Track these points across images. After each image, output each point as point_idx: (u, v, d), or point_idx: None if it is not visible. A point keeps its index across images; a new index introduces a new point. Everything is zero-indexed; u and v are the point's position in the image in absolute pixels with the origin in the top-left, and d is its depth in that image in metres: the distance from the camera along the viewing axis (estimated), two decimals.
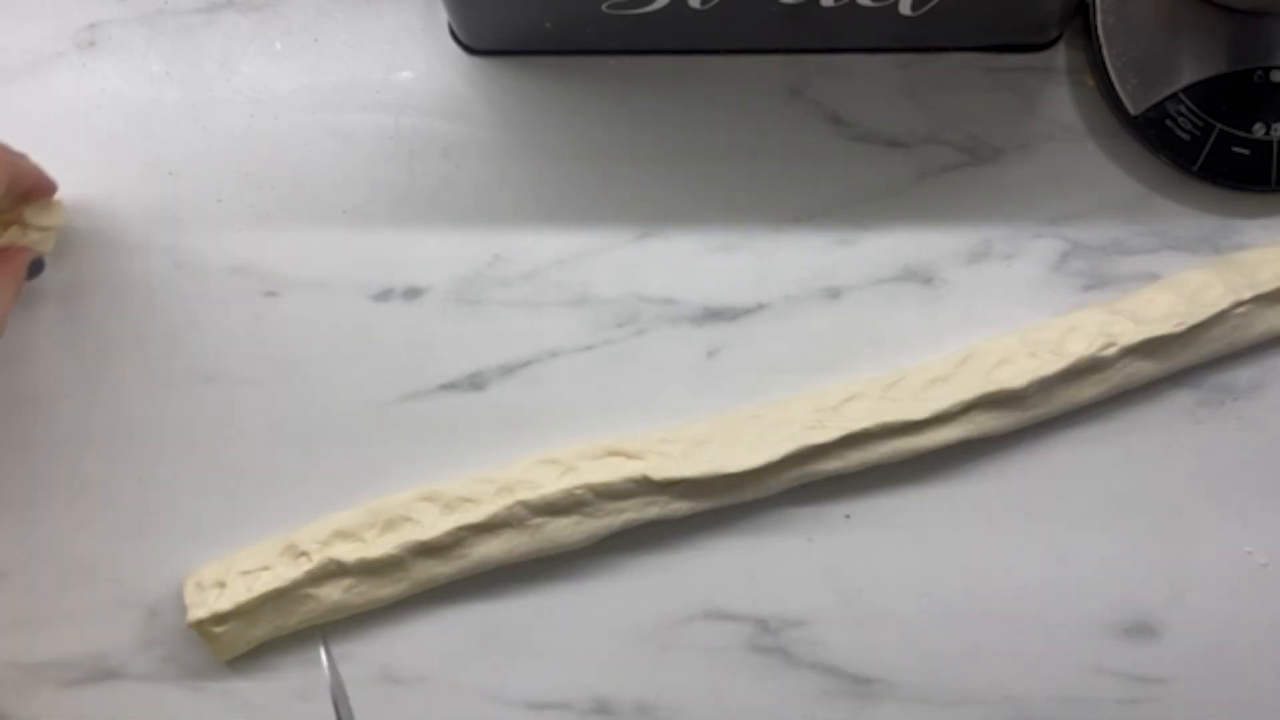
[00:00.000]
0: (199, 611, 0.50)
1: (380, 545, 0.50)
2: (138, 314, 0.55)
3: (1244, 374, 0.54)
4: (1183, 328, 0.51)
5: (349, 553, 0.50)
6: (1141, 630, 0.52)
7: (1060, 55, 0.57)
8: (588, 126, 0.57)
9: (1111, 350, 0.51)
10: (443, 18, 0.57)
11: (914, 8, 0.52)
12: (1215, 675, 0.52)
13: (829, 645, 0.52)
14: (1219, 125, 0.53)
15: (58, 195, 0.53)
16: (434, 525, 0.50)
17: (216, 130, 0.57)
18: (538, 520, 0.51)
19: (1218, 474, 0.53)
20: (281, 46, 0.58)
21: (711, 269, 0.55)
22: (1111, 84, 0.54)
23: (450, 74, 0.57)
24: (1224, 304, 0.52)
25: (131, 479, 0.53)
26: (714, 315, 0.55)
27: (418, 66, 0.57)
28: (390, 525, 0.51)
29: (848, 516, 0.53)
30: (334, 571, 0.50)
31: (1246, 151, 0.54)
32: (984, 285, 0.55)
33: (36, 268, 0.51)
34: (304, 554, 0.51)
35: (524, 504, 0.50)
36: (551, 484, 0.50)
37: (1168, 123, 0.54)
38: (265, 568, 0.51)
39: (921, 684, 0.52)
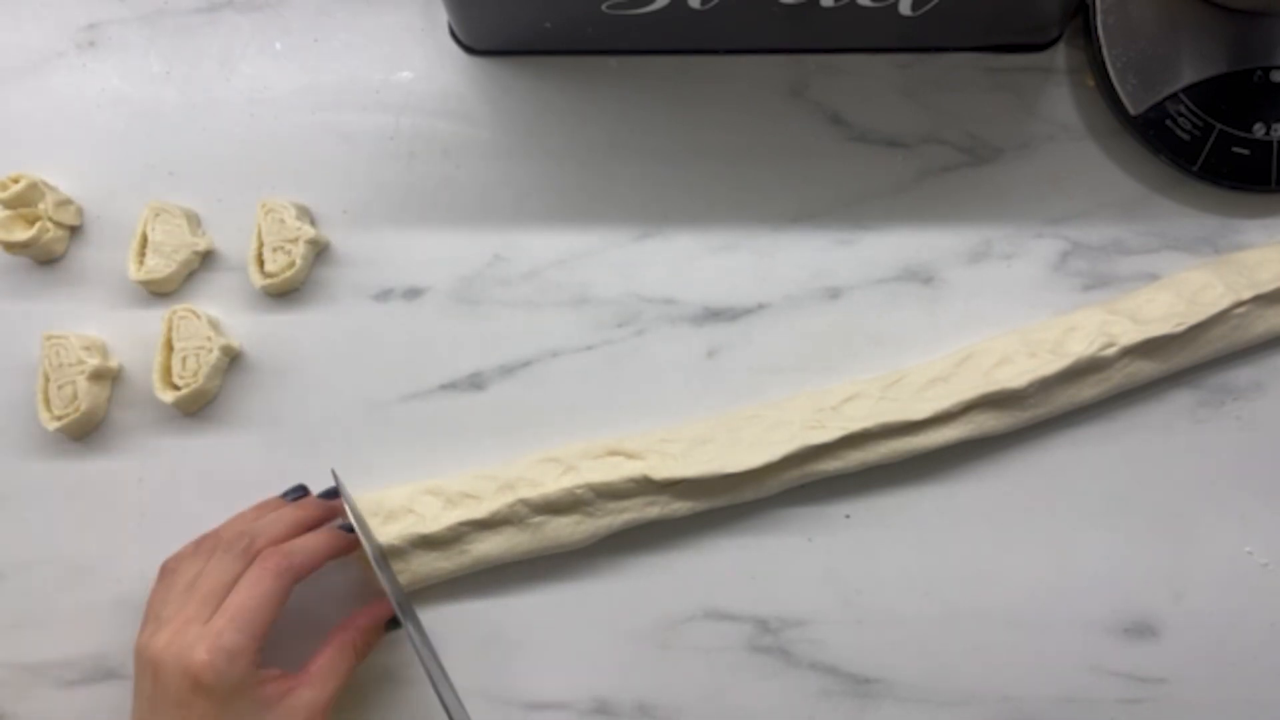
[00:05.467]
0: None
1: (382, 535, 0.50)
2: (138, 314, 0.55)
3: (1244, 374, 0.54)
4: (1183, 328, 0.51)
5: None
6: (1141, 630, 0.52)
7: (1060, 55, 0.57)
8: (588, 126, 0.57)
9: (1111, 350, 0.51)
10: (443, 18, 0.57)
11: (914, 8, 0.52)
12: (1215, 675, 0.52)
13: (829, 645, 0.52)
14: (1219, 125, 0.53)
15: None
16: (436, 519, 0.50)
17: (216, 130, 0.57)
18: (539, 518, 0.51)
19: (1218, 474, 0.53)
20: (281, 46, 0.58)
21: (711, 269, 0.55)
22: (1111, 84, 0.54)
23: (450, 74, 0.57)
24: (1224, 304, 0.52)
25: (132, 479, 0.53)
26: (714, 315, 0.55)
27: (418, 66, 0.57)
28: (392, 516, 0.51)
29: (848, 516, 0.53)
30: None
31: (1246, 151, 0.54)
32: (984, 285, 0.55)
33: (393, 623, 0.50)
34: None
35: (525, 502, 0.50)
36: (553, 482, 0.51)
37: (1168, 123, 0.54)
38: None
39: (921, 684, 0.52)
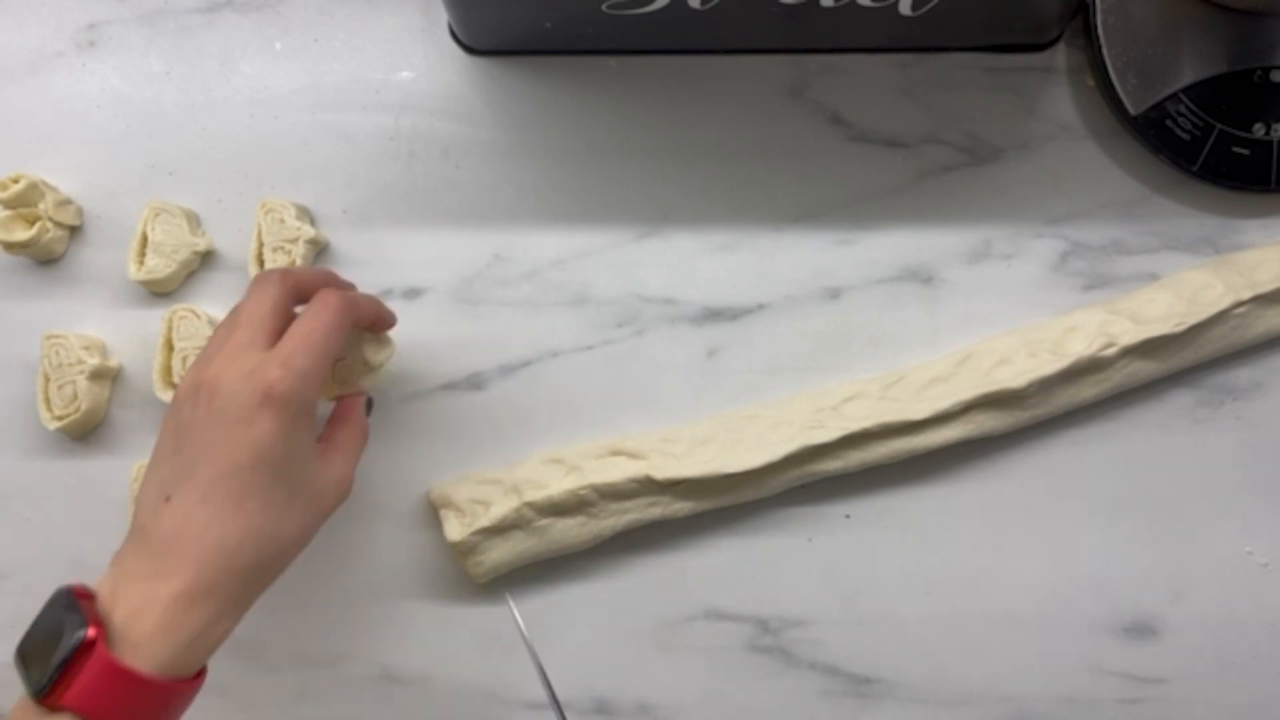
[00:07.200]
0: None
1: None
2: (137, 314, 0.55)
3: (1244, 374, 0.54)
4: (1183, 328, 0.51)
5: None
6: (1141, 630, 0.52)
7: (1060, 55, 0.57)
8: (588, 126, 0.57)
9: (1111, 350, 0.51)
10: (443, 18, 0.57)
11: (914, 8, 0.52)
12: (1215, 675, 0.52)
13: (829, 645, 0.52)
14: (1219, 125, 0.53)
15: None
16: (450, 532, 0.50)
17: (216, 130, 0.57)
18: (544, 521, 0.51)
19: (1218, 474, 0.53)
20: (281, 46, 0.58)
21: (711, 269, 0.55)
22: (1111, 84, 0.54)
23: (450, 74, 0.57)
24: (1224, 304, 0.52)
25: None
26: (714, 315, 0.55)
27: (418, 66, 0.57)
28: None
29: (848, 516, 0.53)
30: None
31: (1246, 151, 0.54)
32: (984, 285, 0.55)
33: (368, 406, 0.49)
34: None
35: (531, 505, 0.50)
36: (557, 484, 0.50)
37: (1168, 123, 0.54)
38: None
39: (921, 684, 0.52)
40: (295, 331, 0.43)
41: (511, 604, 0.48)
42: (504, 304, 0.55)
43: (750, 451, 0.51)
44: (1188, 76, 0.53)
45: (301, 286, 0.46)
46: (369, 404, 0.49)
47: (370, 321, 0.48)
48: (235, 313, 0.44)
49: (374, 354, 0.49)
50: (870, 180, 0.56)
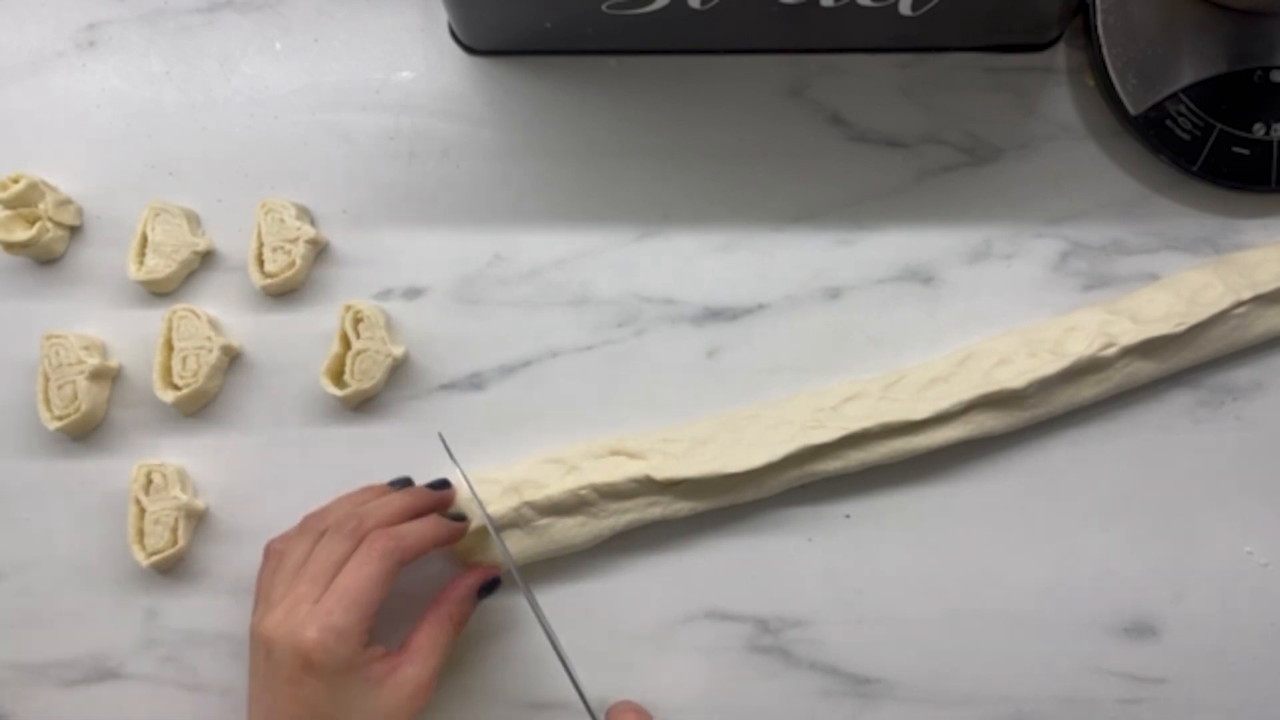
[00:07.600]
0: None
1: None
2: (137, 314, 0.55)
3: (1244, 374, 0.54)
4: (1183, 328, 0.51)
5: None
6: (1141, 630, 0.52)
7: (1060, 55, 0.57)
8: (588, 126, 0.57)
9: (1111, 350, 0.51)
10: (443, 18, 0.58)
11: (914, 8, 0.52)
12: (1215, 675, 0.52)
13: (829, 645, 0.52)
14: (1219, 125, 0.53)
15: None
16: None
17: (216, 130, 0.57)
18: (545, 521, 0.51)
19: (1218, 474, 0.53)
20: (281, 46, 0.58)
21: (711, 269, 0.55)
22: (1111, 84, 0.54)
23: (450, 74, 0.57)
24: (1224, 304, 0.52)
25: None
26: (714, 315, 0.55)
27: (418, 66, 0.58)
28: None
29: (848, 516, 0.53)
30: None
31: (1246, 151, 0.54)
32: (984, 285, 0.55)
33: (491, 588, 0.51)
34: None
35: (531, 504, 0.50)
36: (556, 484, 0.50)
37: (1168, 123, 0.54)
38: None
39: (921, 684, 0.52)
40: (337, 584, 0.45)
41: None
42: (504, 304, 0.55)
43: (750, 451, 0.51)
44: (1188, 76, 0.53)
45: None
46: (493, 585, 0.50)
47: (433, 544, 0.48)
48: (305, 561, 0.46)
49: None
50: (870, 180, 0.56)
